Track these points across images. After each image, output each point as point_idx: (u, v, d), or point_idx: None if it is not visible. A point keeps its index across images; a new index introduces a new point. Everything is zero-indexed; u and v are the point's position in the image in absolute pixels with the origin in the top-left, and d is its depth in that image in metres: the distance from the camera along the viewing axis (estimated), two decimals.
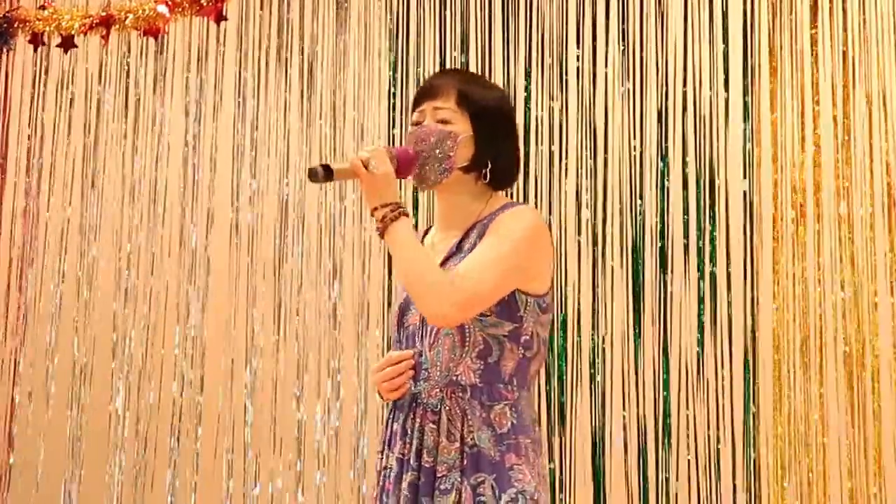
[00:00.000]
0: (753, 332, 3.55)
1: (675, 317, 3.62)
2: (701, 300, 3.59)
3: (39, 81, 4.47)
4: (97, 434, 4.42)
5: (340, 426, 4.06)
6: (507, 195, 2.66)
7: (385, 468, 2.46)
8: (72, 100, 4.45)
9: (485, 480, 2.37)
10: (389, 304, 3.92)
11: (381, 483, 2.47)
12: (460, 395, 2.42)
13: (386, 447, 2.48)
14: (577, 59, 3.83)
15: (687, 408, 3.57)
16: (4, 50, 4.38)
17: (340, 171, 2.41)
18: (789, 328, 3.51)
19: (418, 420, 2.42)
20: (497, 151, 2.55)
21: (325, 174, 2.38)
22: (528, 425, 2.45)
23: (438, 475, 2.38)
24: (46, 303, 4.48)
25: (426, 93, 2.55)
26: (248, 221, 4.26)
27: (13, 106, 4.51)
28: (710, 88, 3.66)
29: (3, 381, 4.52)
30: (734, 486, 3.52)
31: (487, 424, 2.40)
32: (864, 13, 3.52)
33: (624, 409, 3.65)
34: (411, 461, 2.41)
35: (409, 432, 2.43)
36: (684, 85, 3.68)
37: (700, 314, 3.59)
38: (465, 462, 2.38)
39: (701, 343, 3.58)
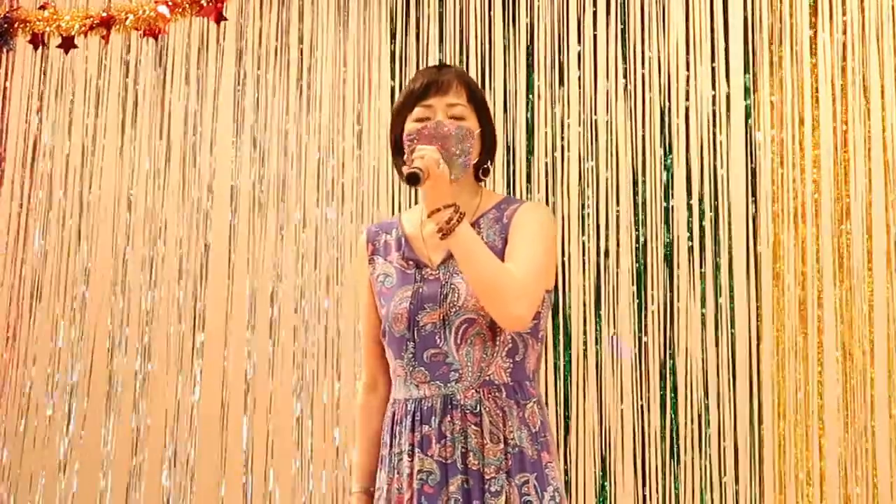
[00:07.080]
0: (758, 331, 3.56)
1: (681, 317, 3.63)
2: (704, 299, 3.61)
3: (39, 82, 4.45)
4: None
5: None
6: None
7: (421, 471, 2.41)
8: (72, 100, 4.43)
9: (528, 480, 2.39)
10: None
11: (416, 486, 2.42)
12: (496, 394, 2.41)
13: (418, 450, 2.42)
14: (578, 59, 3.84)
15: (693, 410, 3.59)
16: (4, 50, 4.36)
17: (423, 171, 2.36)
18: (790, 329, 3.52)
19: (458, 422, 2.40)
20: (494, 146, 2.60)
21: (416, 178, 2.35)
22: (549, 422, 2.49)
23: (487, 477, 2.38)
24: (45, 303, 4.46)
25: (434, 88, 2.50)
26: (247, 220, 4.25)
27: (13, 106, 4.49)
28: (713, 88, 3.67)
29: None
30: (737, 489, 3.54)
31: (524, 424, 2.42)
32: (863, 13, 3.53)
33: (629, 411, 3.66)
34: (457, 464, 2.39)
35: (448, 435, 2.40)
36: (686, 84, 3.69)
37: (703, 314, 3.61)
38: (509, 463, 2.38)
39: (704, 344, 3.60)
